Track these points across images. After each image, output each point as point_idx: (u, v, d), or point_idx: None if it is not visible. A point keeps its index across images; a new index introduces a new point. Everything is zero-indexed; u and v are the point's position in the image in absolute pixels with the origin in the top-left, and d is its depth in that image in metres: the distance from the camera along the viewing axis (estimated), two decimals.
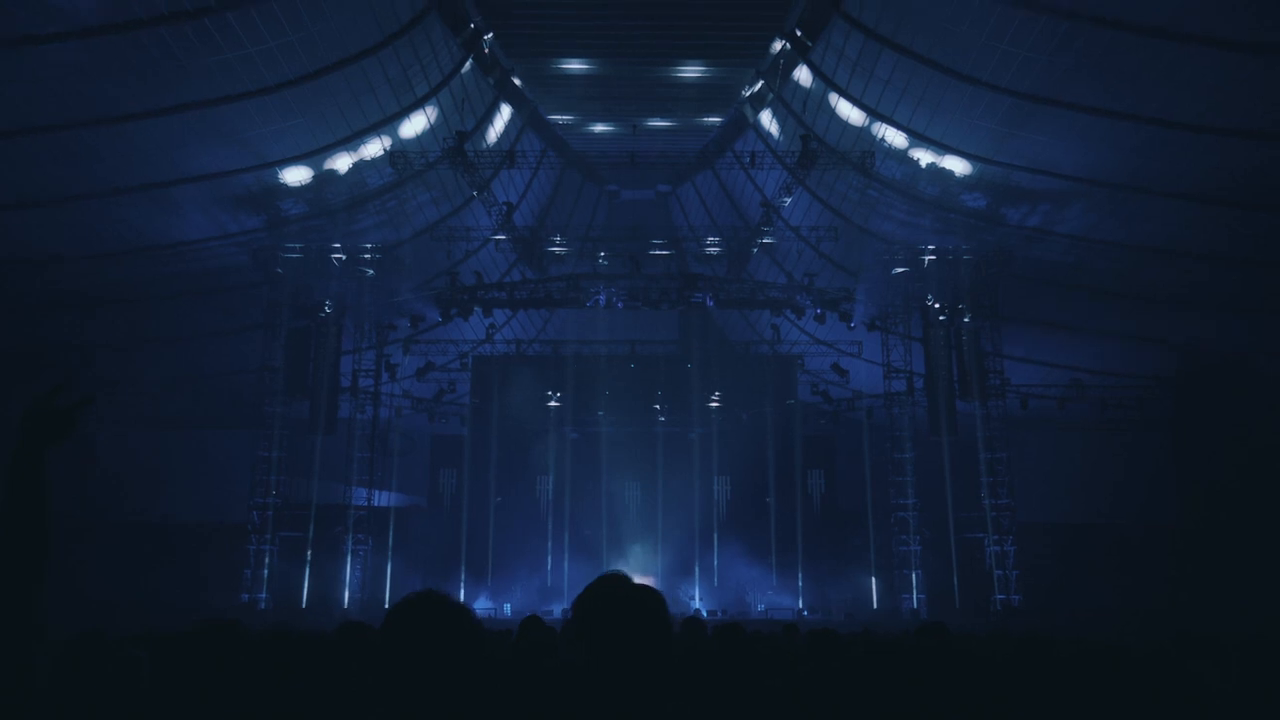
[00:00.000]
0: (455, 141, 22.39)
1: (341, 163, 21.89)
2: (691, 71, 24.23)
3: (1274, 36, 15.69)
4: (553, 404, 28.89)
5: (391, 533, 27.24)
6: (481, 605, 26.10)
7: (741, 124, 25.54)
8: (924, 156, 21.90)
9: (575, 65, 23.92)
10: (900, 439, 26.58)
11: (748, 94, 24.51)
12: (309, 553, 25.02)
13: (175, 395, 25.77)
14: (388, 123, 21.57)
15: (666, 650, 2.83)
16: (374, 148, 22.11)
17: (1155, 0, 15.72)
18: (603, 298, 26.09)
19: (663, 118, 26.55)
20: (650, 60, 23.80)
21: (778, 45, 22.80)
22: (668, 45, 23.08)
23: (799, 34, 21.76)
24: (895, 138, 21.72)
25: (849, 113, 22.12)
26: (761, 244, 25.91)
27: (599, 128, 26.84)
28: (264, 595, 24.20)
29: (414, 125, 22.31)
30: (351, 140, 21.29)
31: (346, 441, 25.94)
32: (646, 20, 21.89)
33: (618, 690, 2.76)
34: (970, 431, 25.09)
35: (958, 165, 21.50)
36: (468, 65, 22.45)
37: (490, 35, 22.58)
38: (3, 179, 18.56)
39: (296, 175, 21.75)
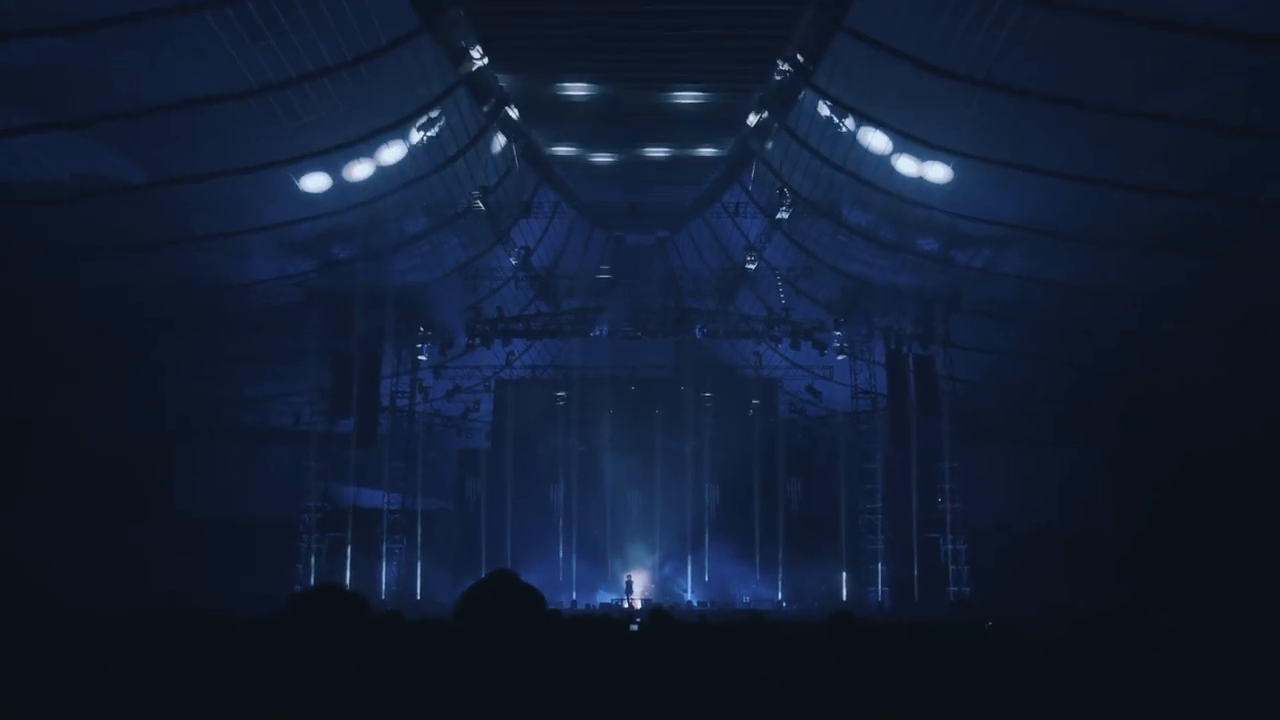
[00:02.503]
0: (480, 195, 23.44)
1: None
2: (691, 97, 22.94)
3: (1171, 108, 16.92)
4: (563, 421, 29.30)
5: (420, 533, 27.79)
6: None
7: (746, 157, 24.97)
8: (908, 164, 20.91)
9: (574, 89, 22.65)
10: (868, 451, 27.35)
11: (753, 123, 23.61)
12: (349, 550, 25.87)
13: (239, 411, 26.75)
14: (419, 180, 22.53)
15: (533, 622, 3.02)
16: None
17: (1098, 82, 16.68)
18: (604, 329, 27.10)
19: (663, 145, 25.29)
20: (649, 84, 22.47)
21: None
22: (666, 69, 21.75)
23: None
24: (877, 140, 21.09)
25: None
26: (745, 282, 26.71)
27: (599, 158, 25.98)
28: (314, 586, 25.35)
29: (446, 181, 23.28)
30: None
31: (384, 454, 26.71)
32: (643, 42, 20.68)
33: (490, 649, 2.92)
34: (931, 444, 25.96)
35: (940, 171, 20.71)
36: (494, 130, 23.24)
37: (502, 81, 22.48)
38: (106, 226, 19.75)
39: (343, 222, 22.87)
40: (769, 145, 23.68)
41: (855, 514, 27.51)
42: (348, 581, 25.44)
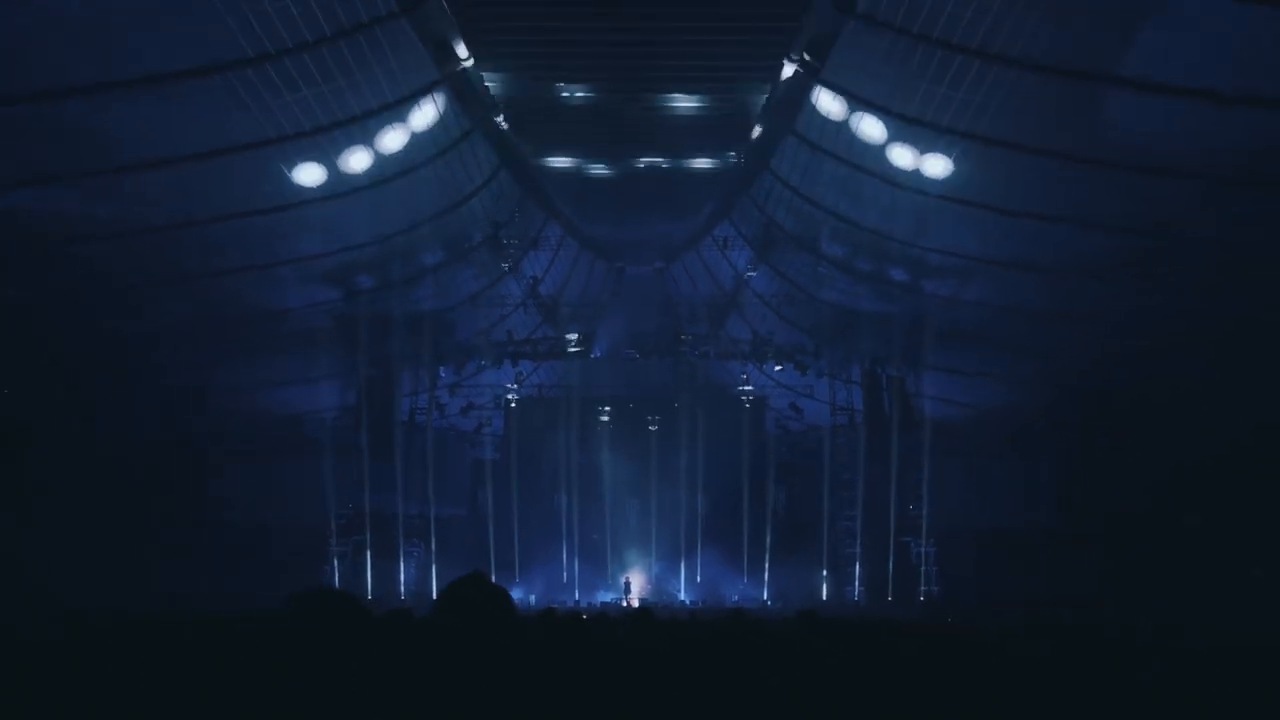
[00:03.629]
0: (492, 231, 24.69)
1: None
2: (688, 102, 22.31)
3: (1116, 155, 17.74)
4: (566, 435, 30.16)
5: (434, 538, 28.69)
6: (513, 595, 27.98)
7: (749, 175, 24.66)
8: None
9: (566, 91, 21.84)
10: (846, 463, 28.49)
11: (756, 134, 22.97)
12: (368, 554, 27.07)
13: (269, 427, 27.90)
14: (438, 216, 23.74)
15: (502, 618, 3.12)
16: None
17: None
18: (605, 351, 28.19)
19: (660, 155, 24.82)
20: (645, 85, 21.76)
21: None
22: (663, 68, 21.01)
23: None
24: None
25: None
26: (734, 308, 27.99)
27: (596, 169, 25.70)
28: (339, 587, 26.52)
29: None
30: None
31: (402, 465, 27.72)
32: (638, 36, 19.67)
33: (465, 639, 3.01)
34: (906, 456, 27.00)
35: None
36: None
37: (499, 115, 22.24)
38: (148, 263, 21.03)
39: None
40: (766, 171, 23.99)
41: (835, 520, 28.58)
42: (369, 583, 26.81)
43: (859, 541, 27.92)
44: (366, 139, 19.66)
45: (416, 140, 20.62)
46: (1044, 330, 24.20)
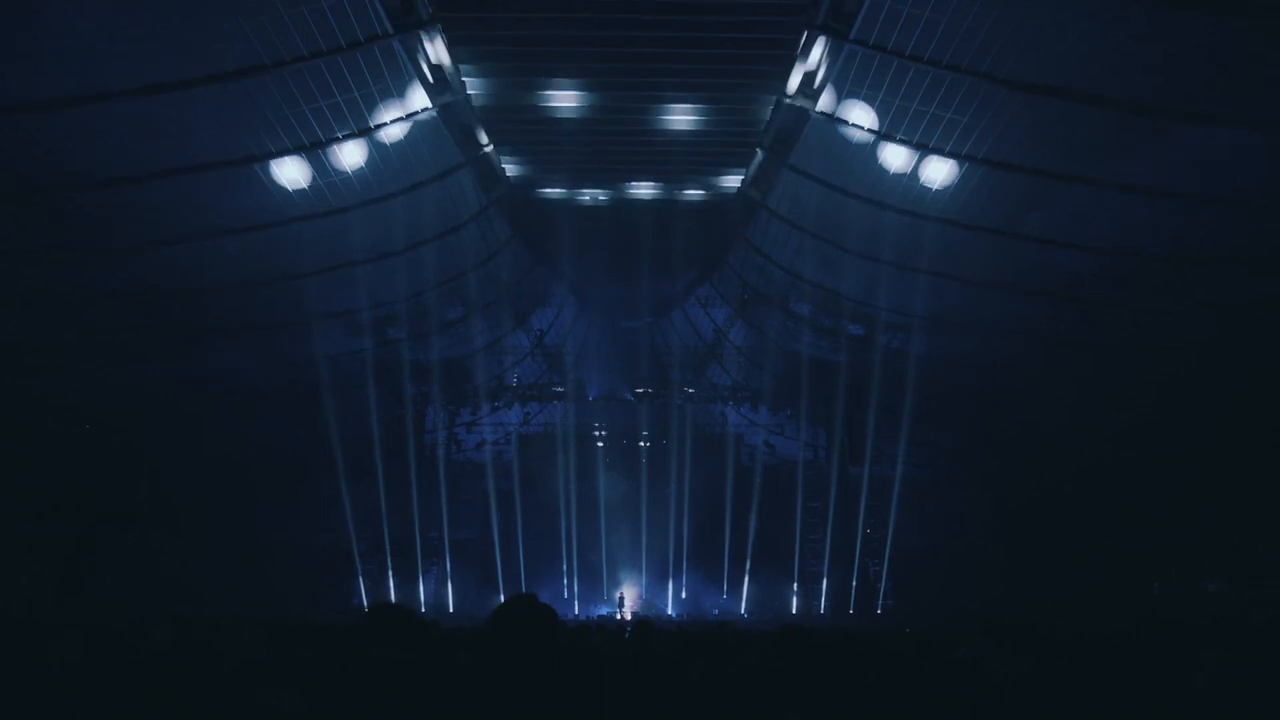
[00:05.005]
0: (505, 291, 27.11)
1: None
2: (683, 119, 21.87)
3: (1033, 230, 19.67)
4: (567, 467, 31.50)
5: (449, 558, 30.40)
6: None
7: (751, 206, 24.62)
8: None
9: (553, 102, 21.12)
10: (814, 491, 30.70)
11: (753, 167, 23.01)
12: (389, 571, 28.95)
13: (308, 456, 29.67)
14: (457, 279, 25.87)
15: (549, 631, 3.24)
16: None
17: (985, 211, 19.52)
18: (597, 394, 30.19)
19: (650, 180, 24.80)
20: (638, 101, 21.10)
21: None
22: (656, 84, 20.47)
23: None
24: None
25: None
26: (714, 357, 30.16)
27: (586, 197, 25.65)
28: (365, 601, 28.58)
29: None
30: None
31: (425, 492, 29.75)
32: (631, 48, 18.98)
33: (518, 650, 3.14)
34: (865, 487, 29.18)
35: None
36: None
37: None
38: (218, 314, 22.94)
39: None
40: (743, 240, 25.44)
41: (806, 542, 30.64)
42: (392, 597, 28.46)
43: (826, 560, 29.88)
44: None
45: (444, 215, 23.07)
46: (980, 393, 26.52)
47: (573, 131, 22.27)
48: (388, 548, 28.96)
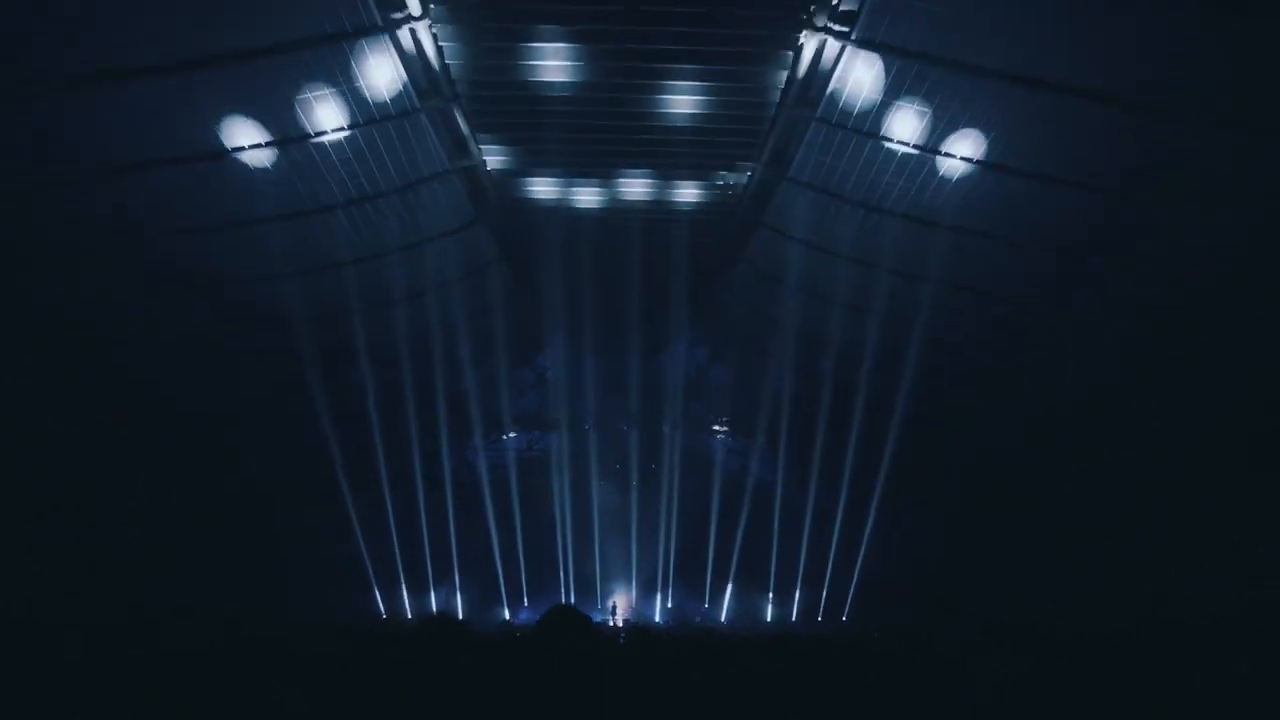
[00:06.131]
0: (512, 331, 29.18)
1: None
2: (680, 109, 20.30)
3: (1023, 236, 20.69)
4: (564, 489, 32.57)
5: (457, 571, 31.29)
6: (521, 616, 31.69)
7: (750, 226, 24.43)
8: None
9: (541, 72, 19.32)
10: (789, 511, 31.60)
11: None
12: (403, 585, 30.22)
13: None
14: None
15: (585, 635, 3.70)
16: None
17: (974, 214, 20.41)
18: (593, 422, 32.22)
19: (646, 171, 23.31)
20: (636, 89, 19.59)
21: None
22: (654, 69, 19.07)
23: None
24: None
25: None
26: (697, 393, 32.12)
27: (580, 196, 24.58)
28: (383, 611, 30.11)
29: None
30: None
31: (440, 511, 30.95)
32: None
33: (563, 651, 3.55)
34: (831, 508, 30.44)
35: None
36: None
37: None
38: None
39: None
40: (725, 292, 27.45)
41: (781, 557, 31.60)
42: (406, 607, 29.99)
43: (800, 574, 31.35)
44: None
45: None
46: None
47: (560, 113, 20.41)
48: (399, 560, 30.08)
